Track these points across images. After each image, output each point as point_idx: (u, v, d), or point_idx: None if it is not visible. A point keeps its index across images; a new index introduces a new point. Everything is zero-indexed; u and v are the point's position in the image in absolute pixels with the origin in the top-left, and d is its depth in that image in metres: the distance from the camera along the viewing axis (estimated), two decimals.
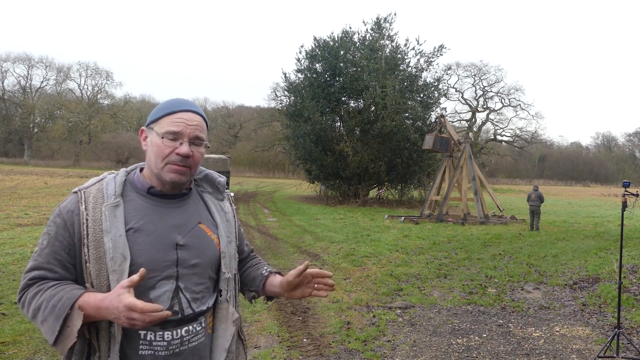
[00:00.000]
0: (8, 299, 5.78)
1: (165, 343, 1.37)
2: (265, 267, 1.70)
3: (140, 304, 1.20)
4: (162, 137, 1.39)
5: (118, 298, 1.21)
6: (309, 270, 1.55)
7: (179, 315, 1.39)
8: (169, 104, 1.45)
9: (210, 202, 1.55)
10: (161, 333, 1.36)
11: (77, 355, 1.34)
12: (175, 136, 1.39)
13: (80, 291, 1.29)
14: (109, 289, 1.30)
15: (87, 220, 1.34)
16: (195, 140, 1.41)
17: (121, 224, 1.34)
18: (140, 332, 1.35)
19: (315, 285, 1.58)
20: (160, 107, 1.45)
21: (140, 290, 1.33)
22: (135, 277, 1.23)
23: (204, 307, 1.45)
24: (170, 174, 1.40)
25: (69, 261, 1.34)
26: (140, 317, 1.20)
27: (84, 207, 1.35)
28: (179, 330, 1.39)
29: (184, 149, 1.38)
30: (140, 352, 1.36)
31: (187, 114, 1.42)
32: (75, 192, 1.40)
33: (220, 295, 1.50)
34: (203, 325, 1.45)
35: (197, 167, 1.46)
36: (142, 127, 1.47)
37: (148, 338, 1.36)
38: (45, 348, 4.37)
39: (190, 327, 1.41)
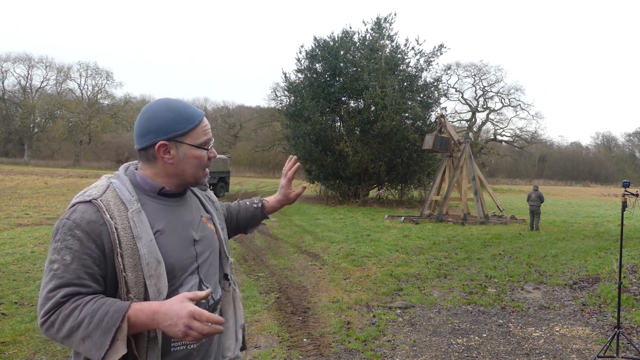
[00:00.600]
0: (8, 299, 5.78)
1: None
2: (252, 201, 1.94)
3: (207, 312, 1.23)
4: (201, 148, 1.45)
5: (181, 305, 1.23)
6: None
7: (206, 307, 1.45)
8: (187, 113, 1.43)
9: (199, 194, 1.63)
10: None
11: None
12: (209, 144, 1.49)
13: (126, 302, 1.26)
14: (146, 296, 1.31)
15: (116, 229, 1.30)
16: None
17: (148, 228, 1.35)
18: None
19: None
20: (177, 117, 1.41)
21: (171, 289, 1.37)
22: (201, 293, 1.28)
23: (218, 296, 1.55)
24: (204, 178, 1.52)
25: (100, 274, 1.29)
26: (200, 327, 1.21)
27: (108, 215, 1.31)
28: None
29: (215, 152, 1.52)
30: (172, 349, 1.38)
31: (206, 120, 1.50)
32: (87, 202, 1.33)
33: (228, 280, 1.61)
34: (219, 312, 1.56)
35: None
36: (162, 142, 1.40)
37: None
38: (45, 348, 4.37)
39: None
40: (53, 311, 1.24)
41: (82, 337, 1.21)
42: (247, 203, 1.93)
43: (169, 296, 1.35)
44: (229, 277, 1.61)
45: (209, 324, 1.23)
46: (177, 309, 1.22)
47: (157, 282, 1.32)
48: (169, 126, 1.40)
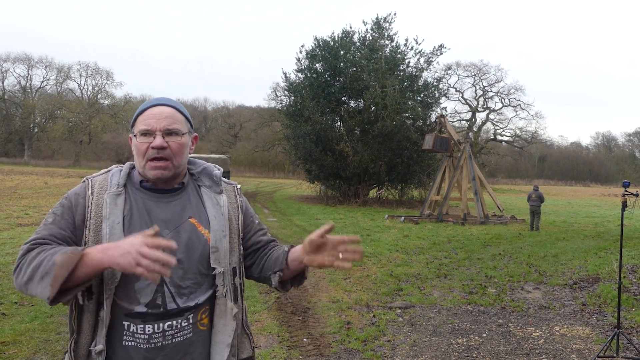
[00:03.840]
0: (8, 299, 5.79)
1: (146, 336, 1.38)
2: (287, 246, 1.63)
3: (159, 239, 1.23)
4: (137, 137, 1.45)
5: (133, 238, 1.25)
6: (332, 237, 1.45)
7: (161, 309, 1.39)
8: (142, 105, 1.51)
9: (206, 195, 1.55)
10: (142, 326, 1.38)
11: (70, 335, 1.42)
12: (147, 132, 1.44)
13: (79, 248, 1.31)
14: (102, 275, 1.36)
15: (91, 204, 1.42)
16: (168, 132, 1.44)
17: (120, 211, 1.41)
18: (124, 322, 1.38)
19: (340, 254, 1.44)
20: (138, 110, 1.51)
21: (126, 280, 1.37)
22: (149, 231, 1.26)
23: (192, 303, 1.44)
24: (151, 171, 1.44)
25: (71, 238, 1.39)
26: (150, 253, 1.20)
27: (90, 192, 1.44)
28: (160, 324, 1.39)
29: (157, 141, 1.42)
30: (124, 342, 1.39)
31: (155, 109, 1.46)
32: (84, 181, 1.48)
33: (217, 291, 1.49)
34: (191, 321, 1.44)
35: (178, 157, 1.46)
36: (130, 136, 1.51)
37: (131, 329, 1.39)
38: (45, 348, 4.37)
39: (174, 322, 1.41)
40: (23, 258, 1.31)
41: (42, 274, 1.23)
42: (286, 246, 1.62)
43: (122, 287, 1.37)
44: (218, 288, 1.48)
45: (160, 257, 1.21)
46: (129, 240, 1.24)
47: None
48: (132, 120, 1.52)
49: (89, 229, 1.39)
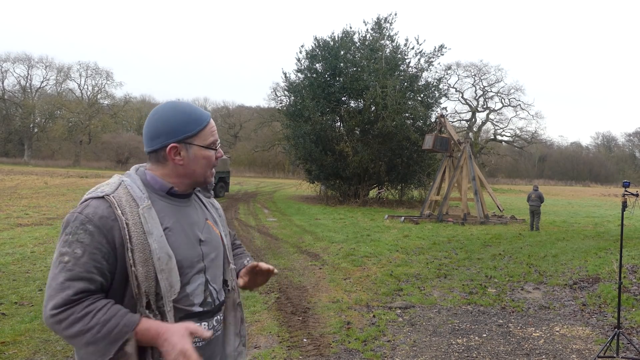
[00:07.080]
0: (8, 299, 5.78)
1: None
2: (247, 258, 1.77)
3: (195, 356, 1.27)
4: (209, 148, 1.50)
5: (180, 339, 1.27)
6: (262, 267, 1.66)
7: (212, 306, 1.50)
8: (195, 115, 1.48)
9: (204, 200, 1.65)
10: (199, 324, 1.44)
11: None
12: (215, 144, 1.53)
13: (136, 316, 1.30)
14: (158, 289, 1.34)
15: (127, 224, 1.33)
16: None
17: (158, 224, 1.39)
18: None
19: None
20: (186, 120, 1.45)
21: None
22: (205, 333, 1.34)
23: (222, 298, 1.57)
24: (211, 177, 1.57)
25: (108, 269, 1.32)
26: (193, 357, 1.26)
27: (119, 211, 1.34)
28: (212, 321, 1.50)
29: (221, 151, 1.57)
30: None
31: (212, 122, 1.55)
32: (100, 198, 1.36)
33: (227, 285, 1.61)
34: (223, 315, 1.59)
35: None
36: (173, 144, 1.44)
37: None
38: (45, 348, 4.37)
39: (218, 316, 1.55)
40: (64, 308, 1.24)
41: (88, 342, 1.25)
42: (247, 258, 1.78)
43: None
44: (228, 282, 1.62)
45: None
46: (175, 341, 1.27)
47: (168, 277, 1.36)
48: (179, 129, 1.44)
49: (132, 251, 1.32)
